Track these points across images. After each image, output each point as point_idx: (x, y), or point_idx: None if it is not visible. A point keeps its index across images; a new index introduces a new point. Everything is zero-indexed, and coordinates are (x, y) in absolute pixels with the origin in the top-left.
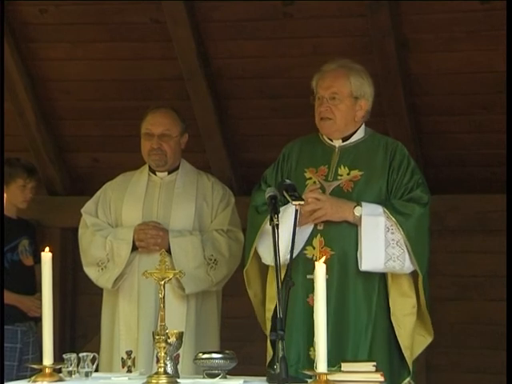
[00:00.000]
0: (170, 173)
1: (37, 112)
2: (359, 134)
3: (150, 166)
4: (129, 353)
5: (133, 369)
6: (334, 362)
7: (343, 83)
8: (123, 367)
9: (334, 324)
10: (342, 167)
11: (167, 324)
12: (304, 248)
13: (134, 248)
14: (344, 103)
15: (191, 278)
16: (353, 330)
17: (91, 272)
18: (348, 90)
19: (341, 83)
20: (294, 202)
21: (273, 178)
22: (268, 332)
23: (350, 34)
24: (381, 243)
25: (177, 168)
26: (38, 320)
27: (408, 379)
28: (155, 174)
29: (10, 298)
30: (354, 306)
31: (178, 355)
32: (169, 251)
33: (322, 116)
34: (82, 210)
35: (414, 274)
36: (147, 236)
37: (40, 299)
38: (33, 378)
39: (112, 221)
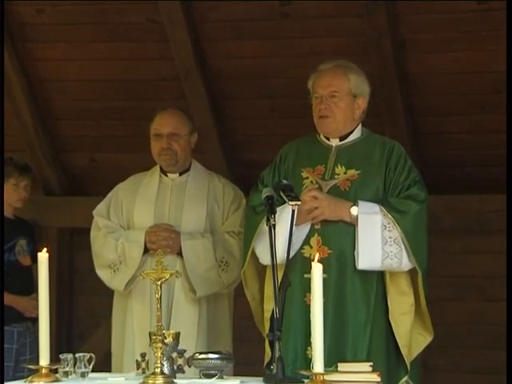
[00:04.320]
0: (181, 174)
1: (33, 112)
2: (356, 134)
3: (161, 168)
4: (143, 355)
5: (147, 371)
6: (334, 360)
7: (342, 81)
8: (137, 369)
9: (333, 323)
10: (339, 166)
11: (179, 328)
12: (301, 247)
13: (146, 250)
14: (343, 101)
15: (202, 280)
16: (352, 328)
17: (104, 274)
18: (347, 87)
19: (340, 81)
20: (290, 203)
21: (270, 178)
22: (266, 333)
23: (347, 34)
24: (377, 241)
25: (188, 169)
26: (36, 320)
27: (405, 378)
28: (166, 176)
29: (6, 298)
30: (352, 304)
31: (190, 358)
32: (180, 253)
33: (321, 114)
34: (94, 213)
35: (412, 273)
36: (159, 238)
37: (36, 299)
38: (29, 378)
39: (124, 223)
